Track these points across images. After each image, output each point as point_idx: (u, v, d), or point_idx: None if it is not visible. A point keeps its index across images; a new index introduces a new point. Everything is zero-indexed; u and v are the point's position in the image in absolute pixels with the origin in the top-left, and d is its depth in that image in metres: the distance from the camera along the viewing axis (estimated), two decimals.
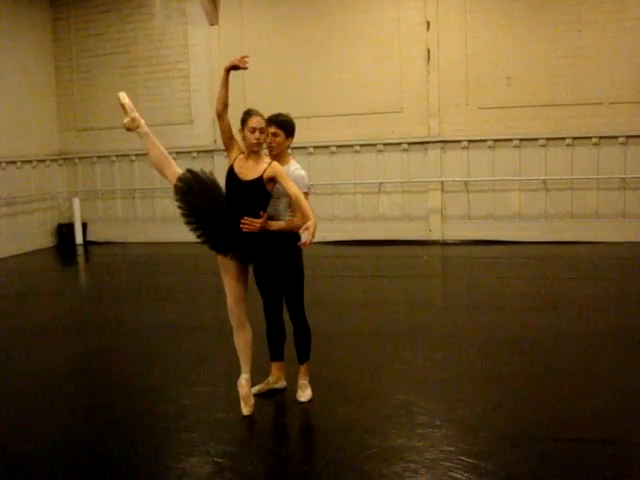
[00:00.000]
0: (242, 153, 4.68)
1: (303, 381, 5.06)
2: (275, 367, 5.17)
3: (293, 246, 4.61)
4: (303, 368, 5.09)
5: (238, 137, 4.72)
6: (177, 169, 4.87)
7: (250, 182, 4.58)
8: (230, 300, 4.76)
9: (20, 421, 4.90)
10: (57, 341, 7.04)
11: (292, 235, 4.54)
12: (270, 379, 5.16)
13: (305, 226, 4.27)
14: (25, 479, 4.03)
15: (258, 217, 4.55)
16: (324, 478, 3.89)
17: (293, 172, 4.74)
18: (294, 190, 4.50)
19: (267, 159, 4.70)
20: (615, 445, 4.14)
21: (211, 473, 4.01)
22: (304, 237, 4.26)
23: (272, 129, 4.72)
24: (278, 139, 4.74)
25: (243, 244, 4.57)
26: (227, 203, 4.68)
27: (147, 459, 4.21)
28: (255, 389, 5.00)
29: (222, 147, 4.94)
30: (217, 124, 4.72)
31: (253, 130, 4.56)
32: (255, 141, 4.57)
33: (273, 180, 4.59)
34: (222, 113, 4.59)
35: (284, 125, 4.78)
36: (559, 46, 11.29)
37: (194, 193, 4.72)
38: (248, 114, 4.63)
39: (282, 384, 5.17)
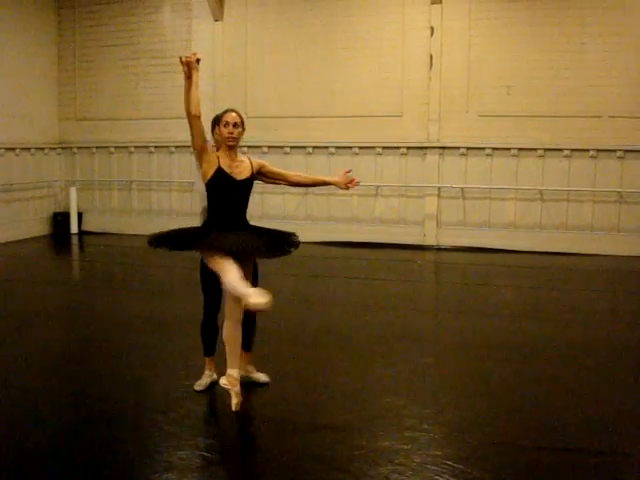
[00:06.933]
0: (216, 153, 4.69)
1: (253, 367, 5.36)
2: (210, 361, 5.29)
3: None
4: (251, 355, 5.35)
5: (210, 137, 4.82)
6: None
7: (245, 180, 4.66)
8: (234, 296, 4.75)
9: (4, 410, 4.88)
10: (45, 329, 7.03)
11: None
12: (209, 373, 5.27)
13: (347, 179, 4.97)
14: (10, 470, 4.01)
15: (245, 214, 4.75)
16: (311, 477, 3.91)
17: None
18: (287, 172, 5.00)
19: (242, 155, 4.81)
20: (601, 455, 4.16)
21: (199, 467, 4.02)
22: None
23: (235, 117, 4.70)
24: (239, 129, 4.69)
25: (241, 241, 4.55)
26: (215, 205, 4.67)
27: (135, 451, 4.21)
28: (202, 385, 5.18)
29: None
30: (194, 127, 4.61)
31: (226, 124, 4.64)
32: (228, 135, 4.62)
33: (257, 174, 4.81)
34: (198, 114, 4.57)
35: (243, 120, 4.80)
36: (561, 57, 11.33)
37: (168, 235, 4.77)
38: (225, 111, 4.73)
39: (215, 377, 5.24)
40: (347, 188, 5.01)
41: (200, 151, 4.65)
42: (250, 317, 5.24)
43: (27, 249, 12.44)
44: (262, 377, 5.33)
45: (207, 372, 5.26)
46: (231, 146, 4.67)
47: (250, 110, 12.22)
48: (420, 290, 9.60)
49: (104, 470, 3.97)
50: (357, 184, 5.04)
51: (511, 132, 11.65)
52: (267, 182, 5.05)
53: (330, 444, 4.29)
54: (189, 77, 4.57)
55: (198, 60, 4.60)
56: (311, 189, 12.30)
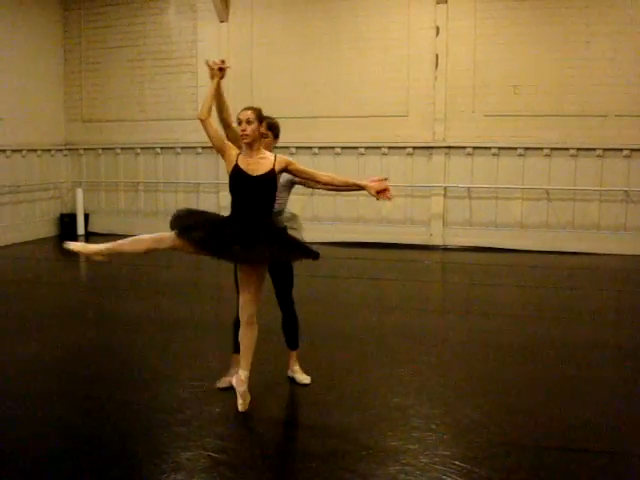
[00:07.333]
0: (237, 151, 4.68)
1: (298, 367, 5.41)
2: (236, 359, 5.15)
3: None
4: (296, 353, 5.42)
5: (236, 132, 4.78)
6: (166, 233, 4.72)
7: (262, 176, 4.60)
8: (245, 297, 4.73)
9: (14, 412, 4.89)
10: (54, 331, 7.04)
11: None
12: (233, 371, 5.19)
13: (381, 186, 4.60)
14: (17, 470, 4.03)
15: (269, 212, 4.66)
16: (318, 477, 3.91)
17: None
18: (317, 171, 4.79)
19: (268, 153, 4.75)
20: (607, 455, 4.15)
21: (206, 467, 4.03)
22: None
23: (247, 114, 4.65)
24: (253, 125, 4.62)
25: (253, 244, 4.53)
26: (234, 202, 4.67)
27: (142, 452, 4.23)
28: (224, 384, 5.15)
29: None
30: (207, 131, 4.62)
31: (239, 122, 4.63)
32: (241, 132, 4.62)
33: (283, 171, 4.71)
34: (203, 117, 4.57)
35: (260, 114, 4.71)
36: (567, 57, 11.32)
37: (190, 215, 4.75)
38: (242, 109, 4.70)
39: None
40: (377, 197, 4.64)
41: (219, 151, 4.71)
42: (289, 315, 5.30)
43: (34, 250, 12.47)
44: (303, 379, 5.33)
45: (232, 370, 5.18)
46: (247, 143, 4.64)
47: None
48: (426, 290, 9.59)
49: (112, 470, 3.98)
50: (390, 198, 4.65)
51: (517, 131, 11.64)
52: (298, 183, 5.05)
53: (337, 444, 4.30)
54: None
55: (221, 69, 4.65)
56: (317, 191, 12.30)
